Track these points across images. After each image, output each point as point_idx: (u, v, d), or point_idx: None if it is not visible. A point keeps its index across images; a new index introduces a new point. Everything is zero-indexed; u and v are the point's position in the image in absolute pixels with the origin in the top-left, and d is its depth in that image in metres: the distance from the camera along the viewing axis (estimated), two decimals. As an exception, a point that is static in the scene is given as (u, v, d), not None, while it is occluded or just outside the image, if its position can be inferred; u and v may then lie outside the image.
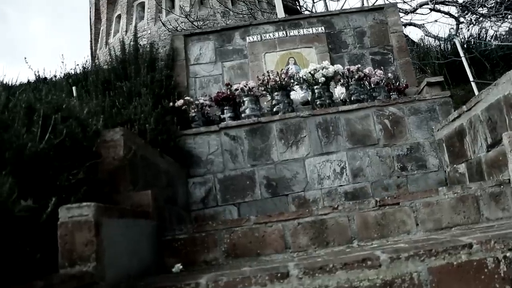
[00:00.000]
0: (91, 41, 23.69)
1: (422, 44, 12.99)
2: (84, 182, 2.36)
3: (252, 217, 3.21)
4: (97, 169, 2.82)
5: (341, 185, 4.93)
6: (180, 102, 5.36)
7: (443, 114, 4.98)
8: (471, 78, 7.51)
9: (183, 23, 15.16)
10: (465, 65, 7.63)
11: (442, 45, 11.76)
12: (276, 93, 5.32)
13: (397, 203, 3.19)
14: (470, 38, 11.77)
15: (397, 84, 5.82)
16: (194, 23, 15.03)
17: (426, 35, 13.23)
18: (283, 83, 5.30)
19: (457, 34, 11.44)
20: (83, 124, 2.80)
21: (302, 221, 3.18)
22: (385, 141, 4.99)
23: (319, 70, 5.26)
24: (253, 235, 3.09)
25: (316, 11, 13.27)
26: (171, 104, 5.34)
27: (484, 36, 11.75)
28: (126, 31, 21.22)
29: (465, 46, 10.34)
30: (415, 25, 13.56)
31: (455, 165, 4.56)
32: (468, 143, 4.17)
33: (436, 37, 12.66)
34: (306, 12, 13.62)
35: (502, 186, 3.17)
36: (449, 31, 11.84)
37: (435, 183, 4.84)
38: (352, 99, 5.32)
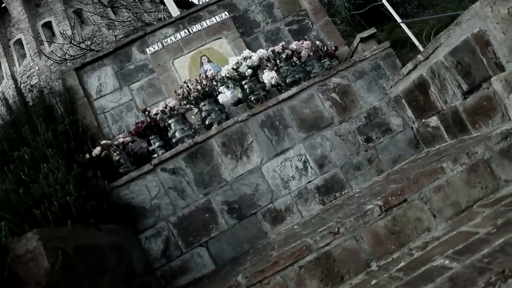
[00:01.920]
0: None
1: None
2: None
3: (240, 279, 2.50)
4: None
5: (309, 181, 4.28)
6: (97, 150, 4.44)
7: (390, 68, 4.45)
8: (398, 20, 7.05)
9: (70, 49, 13.77)
10: (386, 5, 7.15)
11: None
12: (202, 103, 4.54)
13: (404, 200, 2.58)
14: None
15: (324, 49, 5.23)
16: (81, 45, 13.69)
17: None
18: (207, 89, 4.52)
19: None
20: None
21: (303, 263, 2.51)
22: (340, 117, 4.38)
23: (242, 63, 4.53)
24: (251, 306, 2.40)
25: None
26: (87, 155, 4.41)
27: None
28: (12, 76, 19.25)
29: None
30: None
31: (423, 120, 4.05)
32: (435, 94, 3.64)
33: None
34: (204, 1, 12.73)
35: (508, 138, 2.65)
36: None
37: (405, 144, 4.33)
38: (288, 81, 4.66)
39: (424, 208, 2.57)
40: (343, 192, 4.27)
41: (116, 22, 15.81)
